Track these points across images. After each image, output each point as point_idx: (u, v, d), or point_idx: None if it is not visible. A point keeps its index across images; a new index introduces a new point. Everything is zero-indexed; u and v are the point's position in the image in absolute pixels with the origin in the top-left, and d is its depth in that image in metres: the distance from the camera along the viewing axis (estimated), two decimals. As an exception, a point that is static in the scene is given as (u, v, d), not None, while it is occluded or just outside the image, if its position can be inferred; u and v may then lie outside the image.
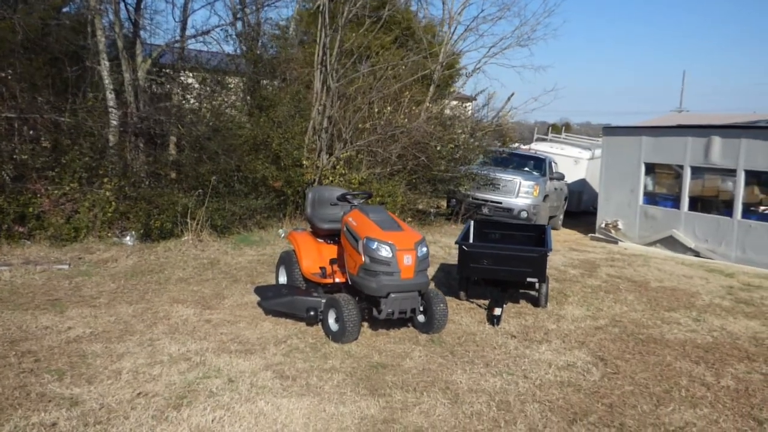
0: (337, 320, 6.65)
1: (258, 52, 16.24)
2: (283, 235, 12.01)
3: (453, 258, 11.19)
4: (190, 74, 15.18)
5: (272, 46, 18.08)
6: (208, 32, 14.24)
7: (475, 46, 50.93)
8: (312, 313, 6.88)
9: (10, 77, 11.24)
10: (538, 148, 21.53)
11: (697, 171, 14.17)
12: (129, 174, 11.50)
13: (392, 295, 6.61)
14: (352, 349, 6.42)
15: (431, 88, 17.72)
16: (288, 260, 8.10)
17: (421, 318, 7.12)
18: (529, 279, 8.21)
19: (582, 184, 20.60)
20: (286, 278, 8.17)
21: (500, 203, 15.59)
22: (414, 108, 15.59)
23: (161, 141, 12.70)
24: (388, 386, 5.55)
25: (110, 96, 11.77)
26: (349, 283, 7.07)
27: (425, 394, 5.43)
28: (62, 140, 11.12)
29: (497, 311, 7.68)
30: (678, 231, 14.23)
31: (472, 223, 9.96)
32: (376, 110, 14.42)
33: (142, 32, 13.19)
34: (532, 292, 8.85)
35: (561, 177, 17.17)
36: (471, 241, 9.55)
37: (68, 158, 10.68)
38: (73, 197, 10.58)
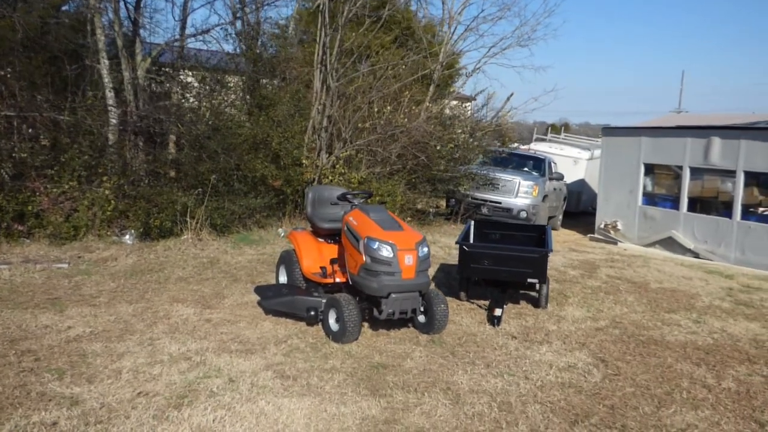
0: (337, 320, 6.64)
1: (258, 51, 16.22)
2: (282, 234, 12.00)
3: (453, 258, 11.19)
4: (190, 73, 15.16)
5: (272, 45, 18.06)
6: (207, 31, 14.24)
7: (475, 46, 51.11)
8: (312, 312, 6.86)
9: (9, 75, 11.22)
10: (537, 148, 21.53)
11: (696, 172, 14.16)
12: (128, 172, 11.48)
13: (393, 296, 6.60)
14: (353, 349, 6.41)
15: (431, 88, 17.71)
16: (288, 260, 8.08)
17: (421, 318, 7.11)
18: (529, 280, 8.20)
19: (581, 184, 20.59)
20: (286, 278, 8.16)
21: (499, 203, 15.58)
22: (414, 108, 15.58)
23: (161, 140, 12.68)
24: (389, 387, 5.54)
25: (110, 94, 11.75)
26: (350, 282, 7.05)
27: (426, 394, 5.42)
28: (61, 139, 11.10)
29: (498, 312, 7.67)
30: (677, 232, 14.23)
31: (472, 223, 9.95)
32: (376, 110, 14.41)
33: (141, 31, 13.19)
34: (533, 293, 8.84)
35: (560, 177, 17.16)
36: (471, 241, 9.54)
37: (67, 157, 10.66)
38: (73, 196, 10.57)
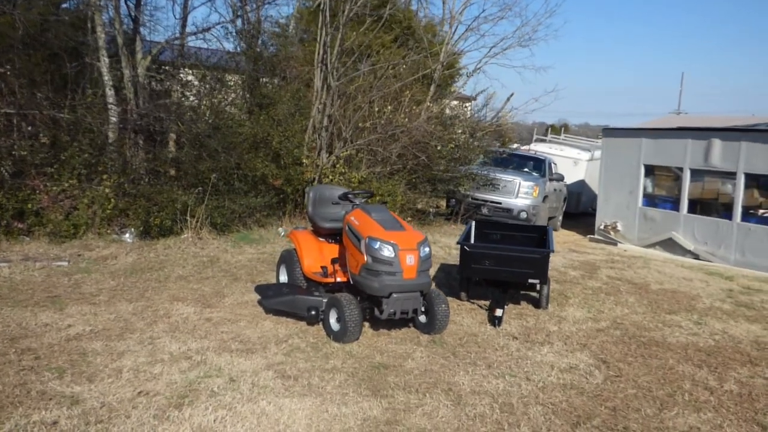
0: (338, 320, 6.62)
1: (258, 49, 16.19)
2: (282, 233, 11.98)
3: (453, 258, 11.18)
4: (190, 71, 15.13)
5: (272, 43, 18.03)
6: (208, 29, 14.23)
7: (476, 45, 51.22)
8: (313, 312, 6.85)
9: (9, 73, 11.17)
10: (537, 148, 21.50)
11: (696, 173, 14.16)
12: (128, 171, 11.46)
13: (394, 295, 6.58)
14: (354, 349, 6.39)
15: (432, 88, 17.68)
16: (289, 259, 8.06)
17: (422, 318, 7.09)
18: (530, 280, 8.19)
19: (581, 185, 20.58)
20: (286, 277, 8.14)
21: (500, 203, 15.56)
22: (414, 107, 15.56)
23: (161, 138, 12.66)
24: (390, 387, 5.52)
25: (110, 92, 11.73)
26: (351, 282, 7.04)
27: (428, 395, 5.40)
28: (61, 136, 11.06)
29: (498, 312, 7.66)
30: (677, 233, 14.23)
31: (473, 223, 9.94)
32: (377, 109, 14.39)
33: (142, 29, 13.16)
34: (533, 294, 8.82)
35: (560, 178, 17.15)
36: (472, 241, 9.52)
37: (67, 155, 10.63)
38: (72, 194, 10.54)
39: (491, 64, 28.72)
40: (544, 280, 8.25)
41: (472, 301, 8.63)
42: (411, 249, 6.65)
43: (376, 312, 6.78)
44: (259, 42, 16.65)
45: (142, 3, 13.16)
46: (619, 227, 15.48)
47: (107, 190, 10.61)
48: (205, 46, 15.41)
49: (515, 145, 24.51)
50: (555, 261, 11.71)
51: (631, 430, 5.04)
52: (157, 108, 12.37)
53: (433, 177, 15.26)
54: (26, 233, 10.11)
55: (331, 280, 7.44)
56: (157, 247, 10.25)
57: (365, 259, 6.61)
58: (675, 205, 14.54)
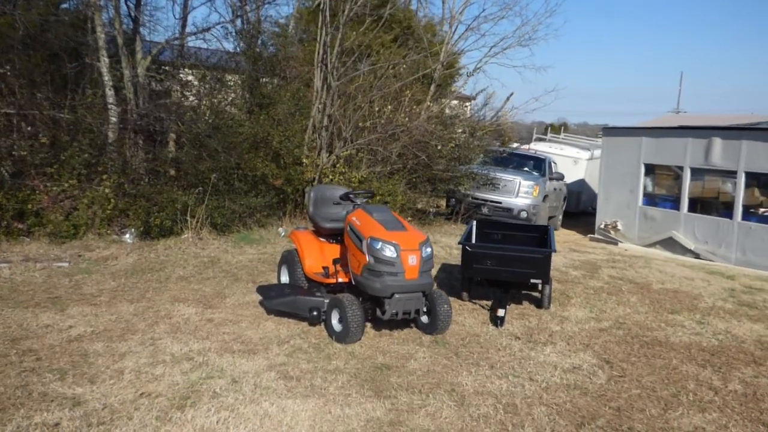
0: (340, 320, 6.60)
1: (258, 49, 16.15)
2: (283, 233, 11.96)
3: (454, 258, 11.17)
4: (190, 71, 15.10)
5: (272, 43, 17.99)
6: (208, 29, 14.20)
7: (476, 45, 51.32)
8: (315, 313, 6.83)
9: (9, 73, 11.15)
10: (537, 148, 21.48)
11: (697, 172, 14.14)
12: (128, 171, 11.42)
13: (396, 296, 6.56)
14: (356, 350, 6.37)
15: (432, 87, 17.65)
16: (290, 259, 8.04)
17: (424, 319, 7.07)
18: (532, 280, 8.16)
19: (581, 184, 20.56)
20: (288, 277, 8.12)
21: (500, 203, 15.55)
22: (414, 107, 15.54)
23: (161, 138, 12.62)
24: (393, 388, 5.50)
25: (109, 93, 11.69)
26: (353, 283, 7.02)
27: (431, 396, 5.38)
28: (61, 137, 11.02)
29: (500, 312, 7.64)
30: (678, 232, 14.21)
31: (474, 223, 9.91)
32: (377, 109, 14.37)
33: (141, 29, 13.13)
34: (535, 293, 8.80)
35: (561, 177, 17.13)
36: (473, 241, 9.50)
37: (67, 155, 10.60)
38: (72, 194, 10.51)
39: (491, 64, 28.68)
40: (546, 279, 8.23)
41: (473, 301, 8.61)
42: (413, 249, 6.63)
43: (378, 312, 6.76)
44: (259, 42, 16.61)
45: (142, 3, 13.14)
46: (620, 226, 15.46)
47: (107, 191, 10.59)
48: (205, 46, 15.39)
49: (515, 145, 24.48)
50: (556, 260, 11.67)
51: (635, 431, 5.02)
52: (157, 108, 12.34)
53: (433, 176, 15.25)
54: (26, 234, 10.08)
55: (332, 280, 7.42)
56: (158, 248, 10.22)
57: (367, 259, 6.59)
58: (675, 204, 14.52)
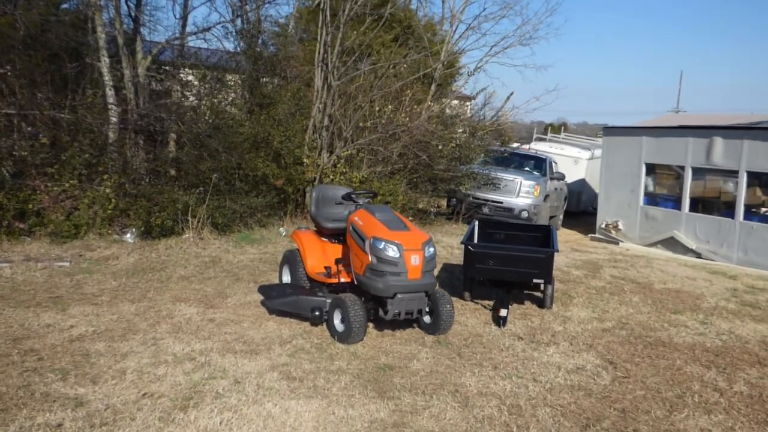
0: (342, 320, 6.57)
1: (258, 49, 16.12)
2: (284, 233, 11.94)
3: (456, 258, 11.15)
4: (190, 71, 15.08)
5: (272, 43, 17.96)
6: (208, 29, 14.17)
7: (477, 45, 51.40)
8: (317, 313, 6.80)
9: (9, 73, 11.12)
10: (538, 147, 21.46)
11: (698, 172, 14.12)
12: (129, 171, 11.40)
13: (399, 296, 6.53)
14: (358, 350, 6.35)
15: (432, 87, 17.63)
16: (292, 259, 8.02)
17: (427, 319, 7.05)
18: (535, 280, 8.14)
19: (581, 184, 20.54)
20: (289, 277, 8.10)
21: (501, 203, 15.52)
22: (415, 106, 15.52)
23: (161, 138, 12.59)
24: (396, 389, 5.47)
25: (110, 93, 11.67)
26: (355, 283, 6.99)
27: (434, 397, 5.36)
28: (62, 137, 10.99)
29: (503, 312, 7.61)
30: (679, 232, 14.19)
31: (476, 223, 9.89)
32: (377, 108, 14.35)
33: (142, 29, 13.10)
34: (537, 293, 8.77)
35: (561, 177, 17.10)
36: (475, 241, 9.47)
37: (68, 155, 10.57)
38: (73, 194, 10.48)
39: (492, 63, 28.64)
40: (549, 279, 8.21)
41: (475, 301, 8.59)
42: (416, 249, 6.61)
43: (381, 312, 6.73)
44: (259, 42, 16.57)
45: (142, 3, 13.11)
46: (621, 226, 15.44)
47: (108, 191, 10.56)
48: (205, 45, 15.40)
49: (515, 145, 24.45)
50: (558, 260, 11.64)
51: (640, 432, 5.00)
52: (158, 108, 12.31)
53: (434, 176, 15.23)
54: (27, 233, 10.06)
55: (334, 280, 7.40)
56: (159, 248, 10.19)
57: (370, 259, 6.57)
58: (677, 203, 14.50)
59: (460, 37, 18.94)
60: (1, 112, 10.56)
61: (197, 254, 10.09)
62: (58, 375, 5.28)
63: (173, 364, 5.67)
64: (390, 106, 14.41)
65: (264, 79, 15.71)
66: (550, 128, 39.12)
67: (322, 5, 13.42)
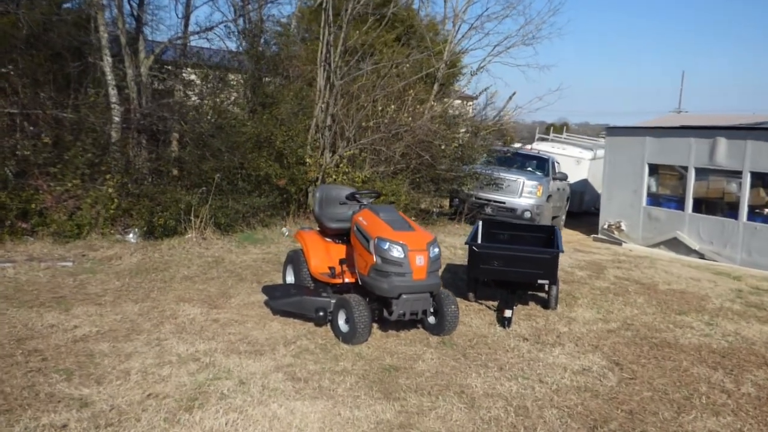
0: (347, 321, 6.55)
1: (260, 48, 16.11)
2: (287, 233, 11.91)
3: (459, 258, 11.12)
4: (193, 71, 15.05)
5: (275, 43, 17.95)
6: (210, 29, 14.19)
7: (479, 44, 51.24)
8: (321, 313, 6.77)
9: (12, 73, 11.11)
10: (540, 148, 21.42)
11: (701, 172, 14.09)
12: (131, 171, 11.37)
13: (404, 296, 6.51)
14: (363, 351, 6.32)
15: (435, 87, 17.60)
16: (296, 259, 7.99)
17: (431, 319, 7.02)
18: (540, 281, 8.11)
19: (584, 184, 20.51)
20: (293, 278, 8.07)
21: (503, 203, 15.48)
22: (418, 106, 15.49)
23: (164, 138, 12.57)
24: (402, 390, 5.45)
25: (112, 92, 11.64)
26: (359, 283, 6.96)
27: (440, 398, 5.33)
28: (64, 136, 10.96)
29: (507, 313, 7.58)
30: (682, 233, 14.16)
31: (480, 223, 9.86)
32: (380, 108, 14.33)
33: (144, 28, 13.08)
34: (541, 294, 8.75)
35: (564, 177, 17.08)
36: (479, 241, 9.44)
37: (70, 154, 10.54)
38: (76, 194, 10.45)
39: (495, 63, 28.57)
40: (554, 280, 8.19)
41: (480, 301, 8.56)
42: (420, 249, 6.58)
43: (385, 313, 6.70)
44: (262, 41, 16.57)
45: (144, 2, 13.09)
46: (623, 227, 15.41)
47: (110, 190, 10.53)
48: (208, 45, 15.32)
49: (517, 144, 24.42)
50: (561, 261, 11.55)
51: (648, 434, 4.97)
52: (160, 107, 12.28)
53: (436, 176, 15.20)
54: (30, 233, 10.03)
55: (338, 280, 7.36)
56: (162, 248, 10.17)
57: (374, 259, 6.54)
58: (680, 204, 14.47)
59: (462, 36, 18.97)
60: (4, 111, 10.55)
61: (200, 254, 10.06)
62: (62, 375, 5.25)
63: (178, 365, 5.64)
64: (392, 106, 14.39)
65: (266, 78, 15.71)
66: (551, 128, 39.08)
67: (324, 5, 13.39)
